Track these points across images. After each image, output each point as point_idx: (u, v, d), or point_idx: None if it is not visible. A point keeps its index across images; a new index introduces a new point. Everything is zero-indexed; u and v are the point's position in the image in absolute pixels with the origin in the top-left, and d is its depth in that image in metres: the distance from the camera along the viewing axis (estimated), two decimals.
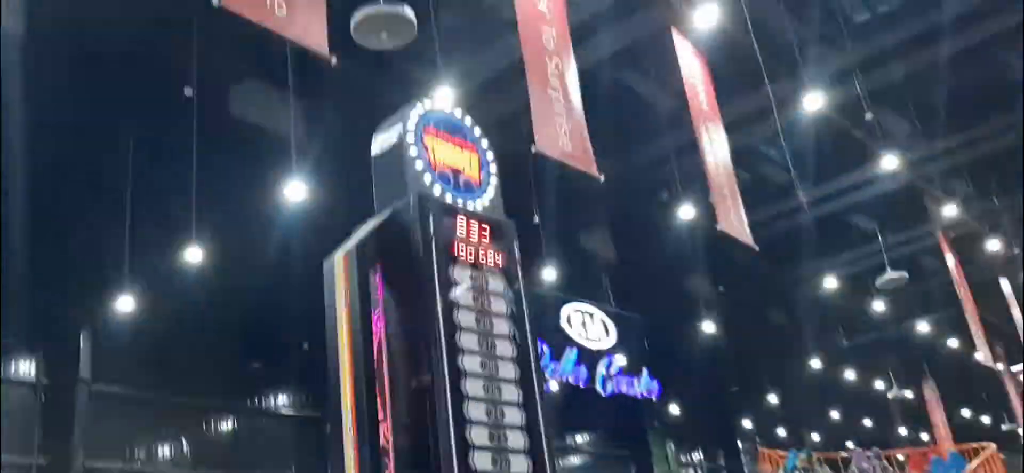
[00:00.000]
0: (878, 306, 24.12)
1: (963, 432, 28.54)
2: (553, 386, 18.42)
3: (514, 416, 4.39)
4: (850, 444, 25.66)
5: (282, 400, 17.78)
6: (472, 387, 4.25)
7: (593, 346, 18.84)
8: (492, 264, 4.71)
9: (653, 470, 24.82)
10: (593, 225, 19.65)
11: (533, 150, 7.87)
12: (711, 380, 24.99)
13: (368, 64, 11.68)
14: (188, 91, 9.68)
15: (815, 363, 28.42)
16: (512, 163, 13.69)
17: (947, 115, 16.04)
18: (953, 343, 27.90)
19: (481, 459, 4.11)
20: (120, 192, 13.15)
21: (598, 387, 18.72)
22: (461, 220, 4.66)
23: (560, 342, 18.10)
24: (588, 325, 18.96)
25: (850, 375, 30.74)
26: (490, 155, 5.25)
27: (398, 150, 4.76)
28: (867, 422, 34.76)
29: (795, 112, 14.79)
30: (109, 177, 13.23)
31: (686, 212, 16.59)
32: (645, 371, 19.93)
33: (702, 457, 29.74)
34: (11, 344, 14.13)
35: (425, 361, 4.20)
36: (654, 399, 20.50)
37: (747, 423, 30.52)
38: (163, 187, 13.15)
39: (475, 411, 4.20)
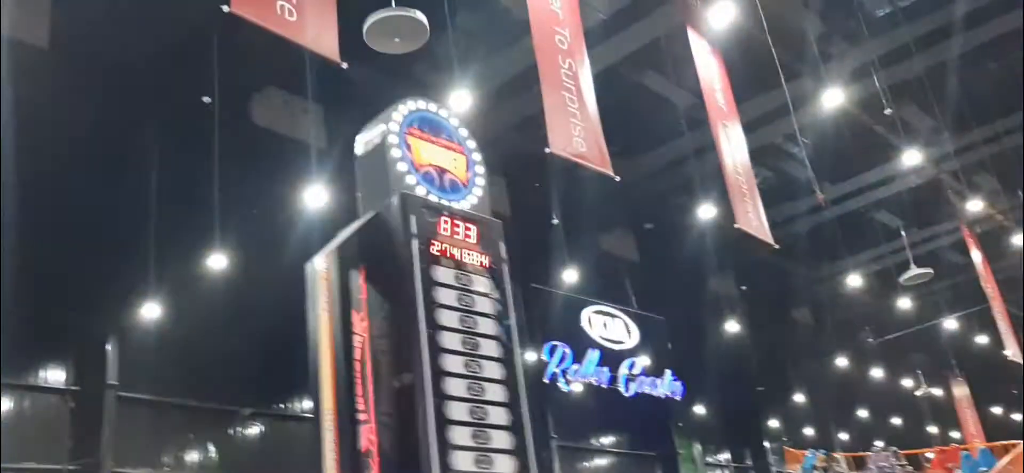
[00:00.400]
0: (904, 303, 23.89)
1: (994, 430, 28.19)
2: (577, 388, 18.42)
3: (499, 416, 4.31)
4: (879, 443, 25.42)
5: (309, 404, 17.88)
6: (454, 387, 4.18)
7: (615, 347, 18.82)
8: (478, 264, 4.64)
9: (679, 471, 24.73)
10: (614, 226, 19.63)
11: (546, 151, 7.86)
12: (736, 380, 24.85)
13: (386, 69, 11.77)
14: (206, 99, 9.83)
15: (842, 362, 28.18)
16: (531, 165, 13.84)
17: (970, 109, 15.87)
18: (982, 340, 27.57)
19: (463, 459, 4.04)
20: (145, 199, 13.33)
21: (621, 388, 18.70)
22: (445, 220, 4.60)
23: (582, 344, 18.10)
24: (609, 326, 18.95)
25: (878, 373, 30.46)
26: (477, 155, 5.17)
27: (381, 150, 4.70)
28: (896, 421, 34.38)
29: (816, 109, 14.72)
30: (134, 185, 13.41)
31: (708, 211, 16.54)
32: (668, 372, 19.88)
33: (729, 457, 29.58)
34: (40, 351, 14.37)
35: (408, 362, 4.16)
36: (678, 400, 20.43)
37: (774, 423, 30.32)
38: (187, 194, 13.30)
39: (457, 411, 4.13)
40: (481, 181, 5.11)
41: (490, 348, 4.46)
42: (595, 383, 18.19)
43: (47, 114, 11.77)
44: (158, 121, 13.16)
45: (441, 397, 4.08)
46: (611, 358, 18.62)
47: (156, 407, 15.38)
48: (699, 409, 25.40)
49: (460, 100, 10.82)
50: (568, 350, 17.68)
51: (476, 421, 4.18)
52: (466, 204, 4.95)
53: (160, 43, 12.10)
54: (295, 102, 13.49)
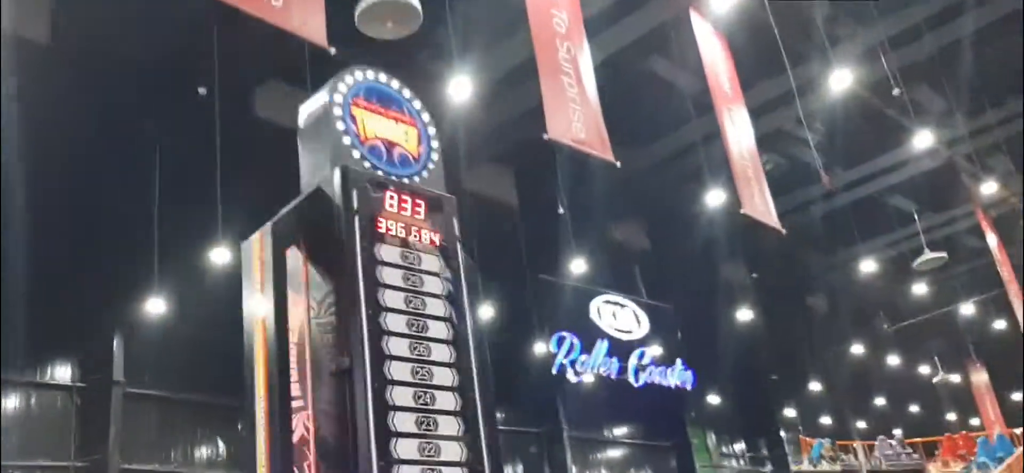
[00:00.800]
0: (920, 289, 23.60)
1: (1014, 416, 27.84)
2: (587, 379, 18.29)
3: (447, 401, 4.07)
4: (897, 431, 25.15)
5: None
6: (398, 371, 3.94)
7: (624, 337, 18.67)
8: (427, 241, 4.35)
9: (693, 461, 24.59)
10: (623, 215, 19.46)
11: (545, 138, 7.70)
12: (750, 369, 24.65)
13: (388, 59, 11.63)
14: (202, 90, 9.77)
15: (858, 349, 27.91)
16: (539, 154, 13.67)
17: (983, 90, 15.60)
18: (1000, 325, 27.21)
19: (405, 446, 3.81)
20: (149, 194, 13.28)
21: (631, 378, 18.55)
22: (391, 195, 4.29)
23: (591, 334, 17.95)
24: (619, 316, 18.79)
25: (894, 361, 30.16)
26: (432, 129, 4.84)
27: (323, 122, 4.40)
28: (914, 408, 34.07)
29: (826, 93, 14.51)
30: (138, 180, 13.36)
31: (717, 198, 16.32)
32: (679, 361, 19.71)
33: (744, 447, 29.38)
34: (47, 348, 14.38)
35: (348, 345, 3.92)
36: (689, 389, 20.26)
37: (790, 412, 30.09)
38: (190, 188, 13.24)
39: (401, 396, 3.89)
40: (436, 155, 4.77)
41: (439, 330, 4.19)
42: (604, 374, 18.05)
43: (50, 110, 11.74)
44: (161, 115, 13.10)
45: (382, 381, 3.83)
46: (621, 348, 18.46)
47: (163, 403, 15.36)
48: (712, 399, 25.22)
49: (460, 88, 10.68)
50: (577, 341, 17.54)
51: (421, 406, 3.93)
52: (417, 179, 4.63)
53: (161, 37, 12.03)
54: (297, 94, 13.35)
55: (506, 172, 16.82)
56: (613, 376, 18.26)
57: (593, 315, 18.28)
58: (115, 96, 12.38)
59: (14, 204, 12.17)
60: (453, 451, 3.98)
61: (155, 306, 14.00)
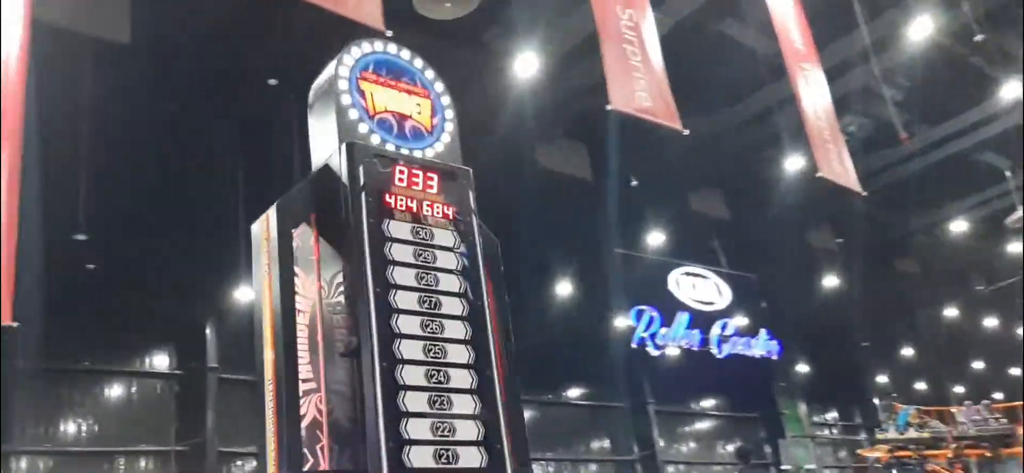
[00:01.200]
0: (1016, 248, 22.67)
1: None
2: (671, 352, 18.19)
3: (462, 379, 3.94)
4: (998, 395, 24.29)
5: None
6: (408, 350, 3.84)
7: (706, 309, 18.47)
8: (440, 216, 4.23)
9: (784, 431, 24.19)
10: (700, 185, 19.19)
11: (608, 108, 7.63)
12: (839, 337, 24.10)
13: (454, 38, 11.68)
14: (272, 81, 10.01)
15: (951, 312, 26.99)
16: (610, 127, 13.58)
17: None
18: None
19: (417, 426, 3.71)
20: (233, 184, 13.65)
21: (714, 350, 18.36)
22: (400, 169, 4.17)
23: (670, 307, 17.82)
24: (699, 287, 18.59)
25: (991, 322, 29.09)
26: (446, 99, 4.65)
27: (330, 98, 4.29)
28: (1015, 371, 32.79)
29: (907, 45, 14.04)
30: (221, 171, 13.75)
31: (796, 163, 15.96)
32: (763, 331, 19.40)
33: (837, 415, 28.80)
34: (145, 339, 15.00)
35: (358, 325, 3.84)
36: (775, 359, 19.93)
37: (883, 379, 29.31)
38: (272, 176, 13.57)
39: (412, 375, 3.80)
40: (450, 126, 4.61)
41: (453, 306, 4.07)
42: (686, 346, 17.91)
43: (136, 108, 12.16)
44: (241, 107, 13.44)
45: (392, 361, 3.75)
46: (702, 320, 18.29)
47: (256, 387, 15.85)
48: (801, 368, 24.75)
49: (527, 64, 10.67)
50: (656, 314, 17.44)
51: (434, 386, 3.82)
52: (431, 152, 4.49)
53: (232, 31, 12.32)
54: None
55: (579, 147, 16.76)
56: (695, 348, 18.11)
57: (672, 287, 18.14)
58: (194, 91, 12.75)
59: (110, 204, 12.72)
60: (469, 430, 3.87)
61: (244, 294, 14.44)
